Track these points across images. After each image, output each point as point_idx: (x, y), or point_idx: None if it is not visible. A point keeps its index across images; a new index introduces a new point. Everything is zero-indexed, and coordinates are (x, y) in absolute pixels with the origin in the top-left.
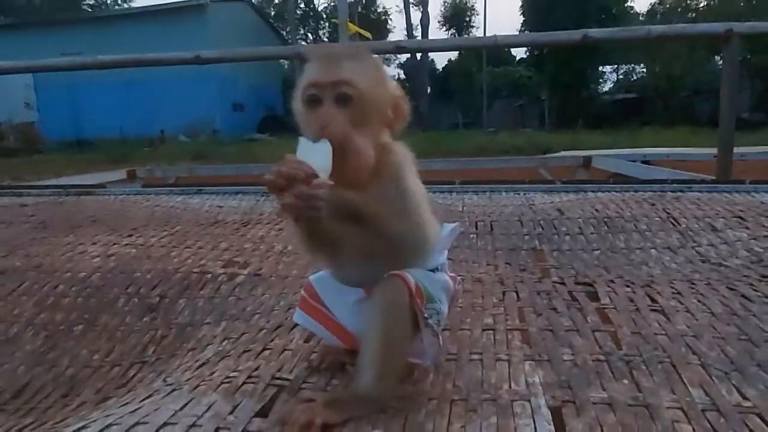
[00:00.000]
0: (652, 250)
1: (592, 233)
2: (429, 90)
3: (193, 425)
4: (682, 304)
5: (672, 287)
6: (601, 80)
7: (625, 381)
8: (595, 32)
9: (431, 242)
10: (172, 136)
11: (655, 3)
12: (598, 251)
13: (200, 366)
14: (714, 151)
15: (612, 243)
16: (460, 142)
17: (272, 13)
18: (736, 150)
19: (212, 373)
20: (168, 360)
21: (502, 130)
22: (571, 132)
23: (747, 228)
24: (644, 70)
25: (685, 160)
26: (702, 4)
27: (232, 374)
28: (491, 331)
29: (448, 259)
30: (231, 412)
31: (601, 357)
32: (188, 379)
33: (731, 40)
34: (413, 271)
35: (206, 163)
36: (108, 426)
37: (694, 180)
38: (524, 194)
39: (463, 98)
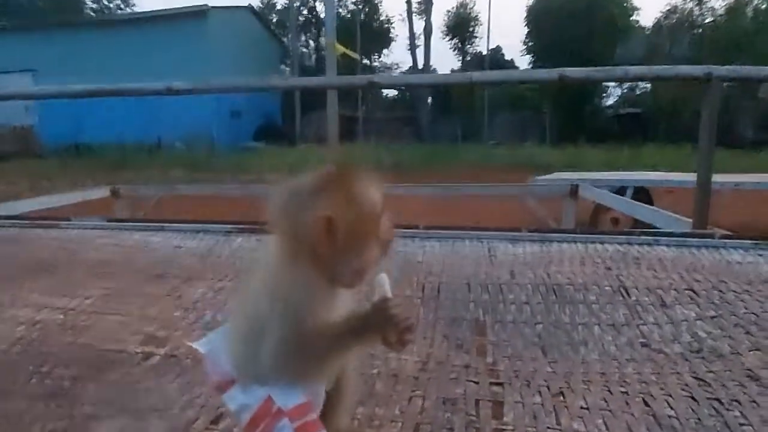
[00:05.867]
0: (596, 327)
1: (538, 303)
2: (430, 101)
3: None
4: (585, 428)
5: (584, 398)
6: (604, 94)
7: None
8: (571, 71)
9: None
10: (170, 143)
11: (660, 18)
12: (541, 325)
13: None
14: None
15: (557, 316)
16: (458, 156)
17: (274, 20)
18: (732, 178)
19: None
20: None
21: (503, 144)
22: (573, 147)
23: (697, 305)
24: (648, 85)
25: (674, 189)
26: (708, 20)
27: None
28: None
29: None
30: None
31: None
32: None
33: (711, 84)
34: None
35: (200, 173)
36: None
37: (663, 232)
38: (488, 243)
39: (464, 111)
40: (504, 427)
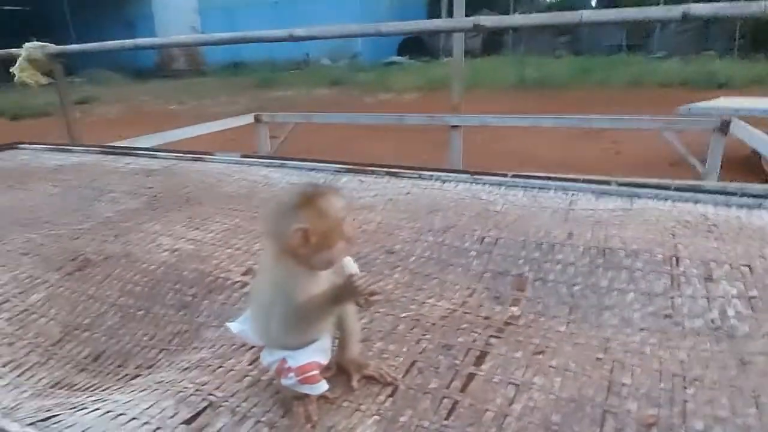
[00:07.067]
0: (630, 294)
1: (583, 265)
2: (594, 2)
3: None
4: (542, 382)
5: (559, 359)
6: None
7: None
8: (697, 8)
9: None
10: (316, 58)
11: None
12: (578, 287)
13: (184, 370)
14: None
15: (597, 280)
16: (613, 71)
17: None
18: None
19: (181, 381)
20: (180, 353)
21: (675, 55)
22: (766, 59)
23: (743, 283)
24: None
25: None
26: None
27: (183, 384)
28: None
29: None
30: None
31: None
32: (169, 381)
33: None
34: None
35: (342, 90)
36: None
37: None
38: (571, 194)
39: None
40: (478, 372)
